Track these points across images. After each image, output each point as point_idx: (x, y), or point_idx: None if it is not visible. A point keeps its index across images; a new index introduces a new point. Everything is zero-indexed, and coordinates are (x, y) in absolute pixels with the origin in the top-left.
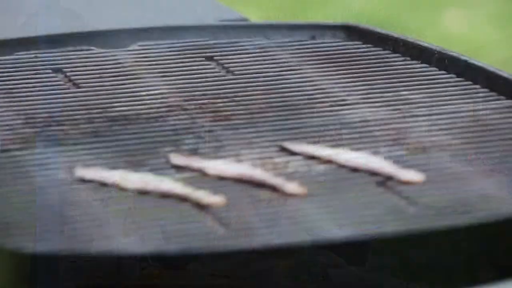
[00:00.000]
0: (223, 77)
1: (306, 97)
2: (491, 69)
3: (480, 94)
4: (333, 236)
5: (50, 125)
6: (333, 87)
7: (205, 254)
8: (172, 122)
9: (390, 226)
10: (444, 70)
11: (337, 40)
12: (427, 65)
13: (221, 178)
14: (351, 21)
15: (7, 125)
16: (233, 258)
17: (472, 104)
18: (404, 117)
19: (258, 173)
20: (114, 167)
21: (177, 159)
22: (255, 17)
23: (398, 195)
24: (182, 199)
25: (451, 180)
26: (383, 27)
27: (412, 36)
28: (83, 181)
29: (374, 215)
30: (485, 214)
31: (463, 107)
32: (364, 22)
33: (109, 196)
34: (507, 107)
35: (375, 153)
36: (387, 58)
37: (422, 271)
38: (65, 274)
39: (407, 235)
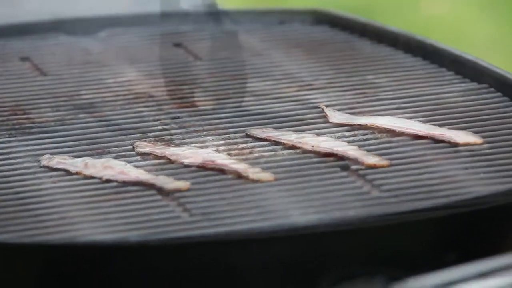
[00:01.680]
0: (191, 64)
1: (274, 82)
2: (457, 52)
3: (446, 77)
4: (296, 222)
5: (16, 114)
6: (300, 72)
7: (167, 241)
8: (139, 109)
9: (354, 211)
10: (411, 54)
11: (305, 25)
12: (393, 49)
13: (186, 165)
14: (330, 6)
15: None
16: (197, 244)
17: (437, 87)
18: (370, 101)
19: (221, 159)
20: (79, 155)
21: (142, 146)
22: (234, 4)
23: (362, 179)
24: (146, 185)
25: (415, 163)
26: (362, 12)
27: (392, 20)
28: (48, 169)
29: (338, 200)
30: (447, 198)
31: (428, 90)
32: (342, 7)
33: (73, 185)
34: (472, 90)
35: (341, 137)
36: (355, 42)
37: (385, 254)
38: (28, 264)
39: (371, 219)
